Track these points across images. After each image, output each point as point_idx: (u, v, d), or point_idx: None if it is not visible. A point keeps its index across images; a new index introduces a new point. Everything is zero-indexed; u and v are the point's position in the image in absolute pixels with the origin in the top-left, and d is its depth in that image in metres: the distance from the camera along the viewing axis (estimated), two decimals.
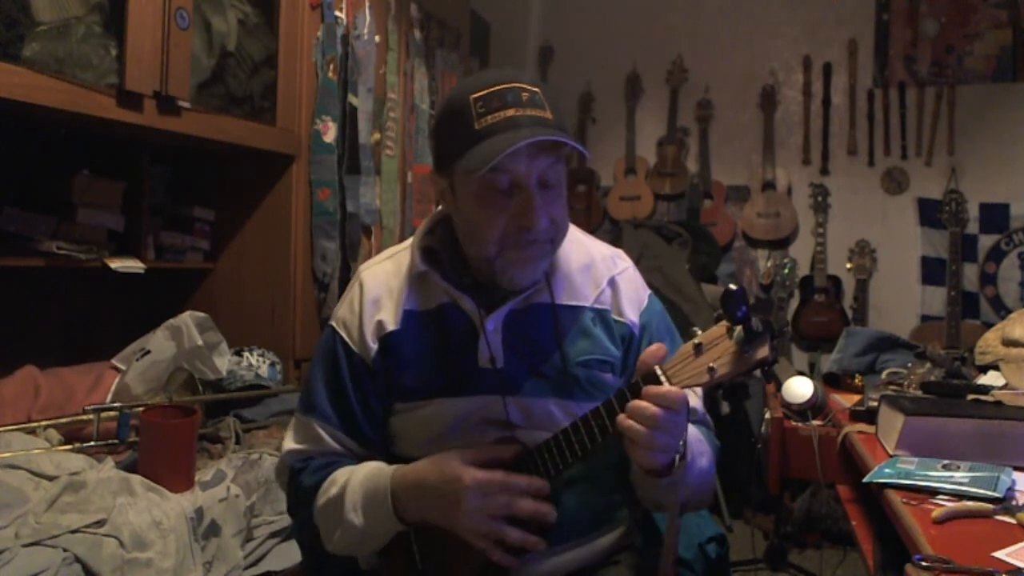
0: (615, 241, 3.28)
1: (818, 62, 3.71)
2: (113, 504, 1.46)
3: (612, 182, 3.99)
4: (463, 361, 1.09)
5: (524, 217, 1.00)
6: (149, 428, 1.66)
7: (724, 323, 0.90)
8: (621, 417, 0.92)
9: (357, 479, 1.05)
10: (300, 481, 1.12)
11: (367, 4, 2.64)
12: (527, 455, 1.03)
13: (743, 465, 2.82)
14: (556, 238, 1.07)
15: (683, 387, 0.92)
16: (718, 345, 0.90)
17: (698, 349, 0.91)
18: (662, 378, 0.92)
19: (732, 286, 0.86)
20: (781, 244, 3.76)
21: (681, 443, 0.95)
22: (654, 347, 0.95)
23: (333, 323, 1.16)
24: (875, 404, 1.61)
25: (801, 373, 2.36)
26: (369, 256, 2.55)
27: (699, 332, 0.92)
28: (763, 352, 0.88)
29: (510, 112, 0.98)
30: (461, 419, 1.08)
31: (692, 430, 1.05)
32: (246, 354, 2.21)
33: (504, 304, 1.09)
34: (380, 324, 1.11)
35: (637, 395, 0.92)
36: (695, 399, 1.12)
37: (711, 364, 0.90)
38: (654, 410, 0.90)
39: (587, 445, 0.98)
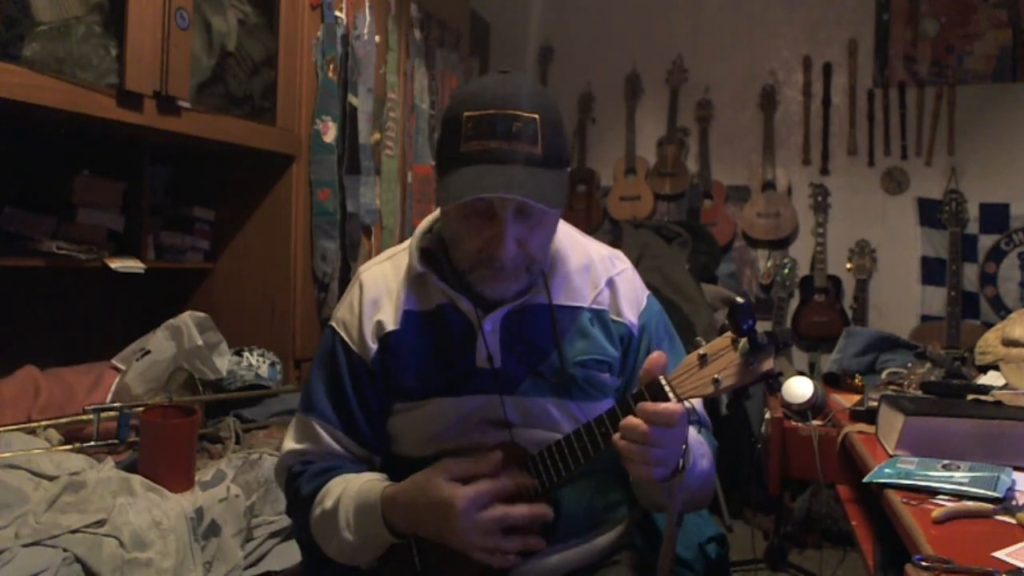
0: (615, 241, 3.28)
1: (818, 62, 3.71)
2: (113, 504, 1.46)
3: (612, 182, 3.99)
4: (461, 361, 1.09)
5: (492, 246, 1.00)
6: (149, 428, 1.65)
7: (729, 334, 0.90)
8: (615, 436, 0.93)
9: (349, 496, 1.05)
10: (298, 487, 1.12)
11: (367, 4, 2.64)
12: (525, 463, 1.02)
13: (743, 465, 2.82)
14: (531, 266, 1.06)
15: (687, 397, 0.92)
16: (723, 356, 0.91)
17: (703, 360, 0.92)
18: (667, 388, 0.92)
19: (739, 299, 0.87)
20: (781, 244, 3.76)
21: (682, 450, 0.95)
22: (655, 355, 0.95)
23: (333, 323, 1.16)
24: (875, 404, 1.60)
25: (801, 373, 2.36)
26: (369, 256, 2.55)
27: (703, 342, 0.93)
28: (768, 364, 0.89)
29: (493, 144, 0.97)
30: (460, 419, 1.08)
31: (692, 432, 1.05)
32: (246, 354, 2.20)
33: (502, 305, 1.09)
34: (380, 324, 1.12)
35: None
36: (695, 401, 1.12)
37: (716, 375, 0.90)
38: (644, 428, 0.90)
39: (590, 453, 0.98)
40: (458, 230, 1.04)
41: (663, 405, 0.90)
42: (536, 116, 0.99)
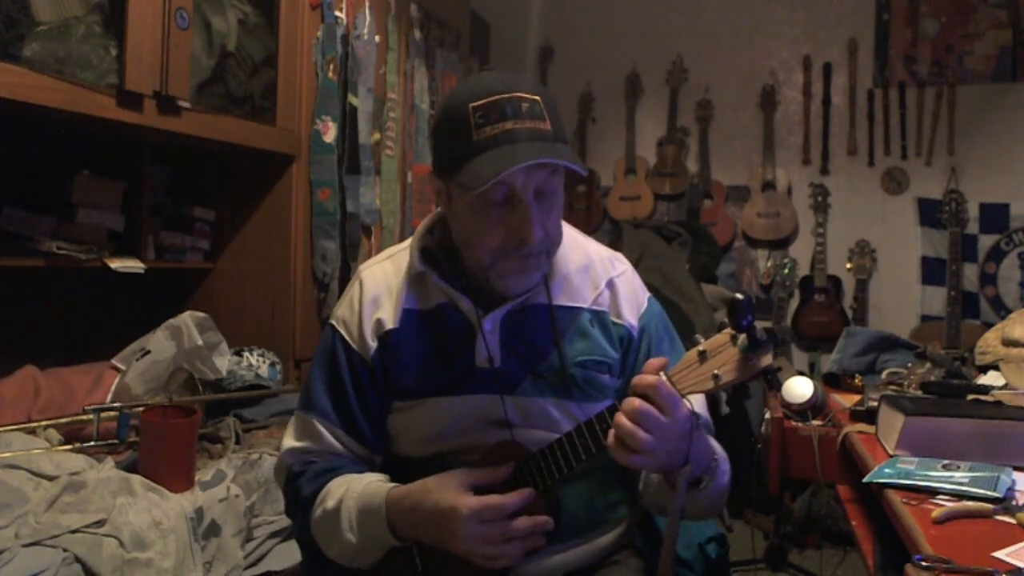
0: (615, 241, 3.28)
1: (818, 62, 3.71)
2: (113, 504, 1.46)
3: (612, 182, 3.99)
4: (461, 360, 1.09)
5: (520, 230, 1.00)
6: (149, 428, 1.65)
7: (728, 331, 0.91)
8: (617, 414, 0.93)
9: (352, 496, 1.05)
10: (298, 487, 1.11)
11: (367, 4, 2.64)
12: (524, 466, 1.02)
13: (743, 465, 2.82)
14: (551, 249, 1.08)
15: (688, 393, 0.92)
16: (722, 352, 0.91)
17: (702, 356, 0.92)
18: (668, 384, 0.92)
19: (739, 296, 0.87)
20: (781, 244, 3.76)
21: (681, 449, 0.94)
22: (655, 360, 0.95)
23: (333, 322, 1.16)
24: (875, 404, 1.60)
25: (801, 373, 2.36)
26: (369, 256, 2.55)
27: (702, 339, 0.93)
28: (767, 360, 0.89)
29: (508, 125, 0.98)
30: (459, 418, 1.08)
31: (718, 447, 1.06)
32: (246, 354, 2.20)
33: (502, 305, 1.09)
34: (379, 323, 1.12)
35: None
36: (698, 404, 1.12)
37: (715, 371, 0.91)
38: (636, 403, 0.90)
39: (591, 450, 0.98)
40: (474, 227, 1.04)
41: (651, 377, 0.91)
42: (538, 98, 1.01)
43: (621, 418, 0.91)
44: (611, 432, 0.92)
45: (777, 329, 0.91)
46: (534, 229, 1.00)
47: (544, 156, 0.97)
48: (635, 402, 0.91)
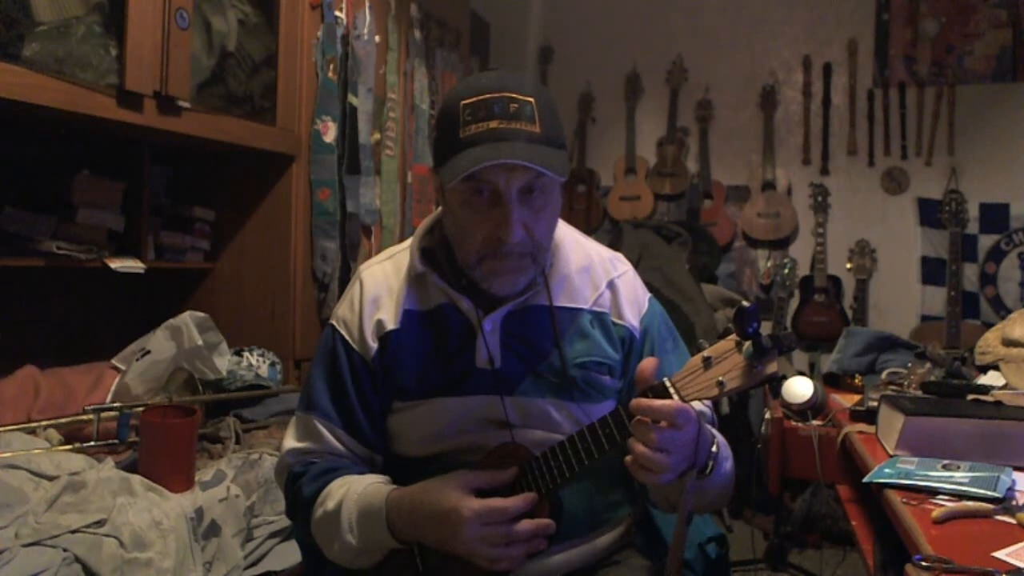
0: (615, 241, 3.28)
1: (818, 62, 3.71)
2: (113, 504, 1.46)
3: (612, 182, 3.99)
4: (461, 361, 1.09)
5: (500, 228, 1.00)
6: (149, 428, 1.65)
7: (733, 337, 0.91)
8: (632, 440, 0.92)
9: (352, 498, 1.05)
10: (299, 487, 1.11)
11: (367, 4, 2.64)
12: (527, 468, 1.02)
13: (743, 465, 2.82)
14: (537, 252, 1.06)
15: (692, 399, 0.92)
16: (727, 359, 0.91)
17: (707, 362, 0.92)
18: (671, 390, 0.92)
19: (746, 303, 0.87)
20: (781, 244, 3.77)
21: (690, 452, 0.94)
22: (648, 362, 0.95)
23: (333, 322, 1.16)
24: (875, 404, 1.61)
25: (801, 373, 2.36)
26: (369, 256, 2.55)
27: (706, 345, 0.93)
28: (772, 368, 0.89)
29: (493, 124, 0.98)
30: (459, 418, 1.08)
31: (718, 433, 1.06)
32: (246, 354, 2.20)
33: (502, 305, 1.09)
34: (380, 323, 1.12)
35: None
36: (701, 403, 1.12)
37: (720, 378, 0.91)
38: (656, 436, 0.90)
39: (594, 454, 0.97)
40: (462, 221, 1.04)
41: (659, 401, 0.90)
42: (532, 99, 1.01)
43: (642, 448, 0.90)
44: (630, 459, 0.92)
45: (783, 336, 0.91)
46: (512, 229, 1.00)
47: (522, 158, 0.96)
48: (654, 435, 0.90)
